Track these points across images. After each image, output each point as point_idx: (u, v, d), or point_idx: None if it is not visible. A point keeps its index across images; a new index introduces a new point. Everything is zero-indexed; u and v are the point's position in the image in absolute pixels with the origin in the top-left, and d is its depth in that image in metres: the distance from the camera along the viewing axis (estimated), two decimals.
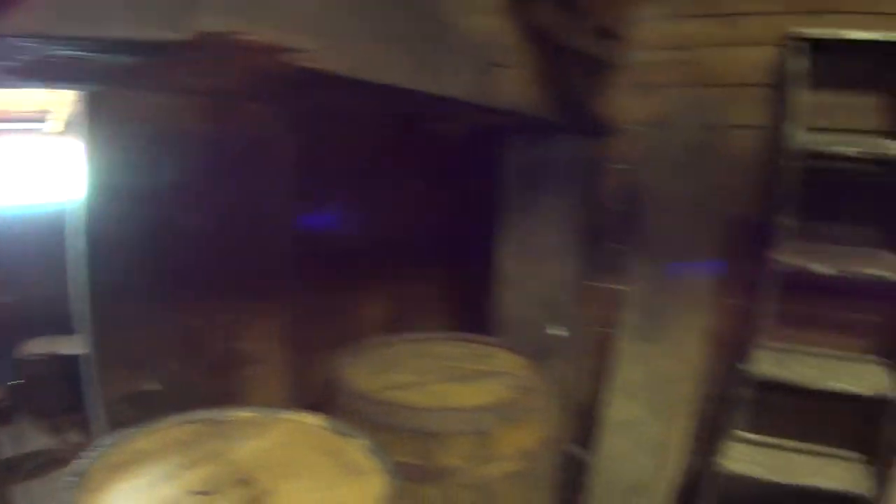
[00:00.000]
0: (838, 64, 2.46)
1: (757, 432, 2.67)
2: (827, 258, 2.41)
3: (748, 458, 2.58)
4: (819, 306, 2.54)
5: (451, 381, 2.22)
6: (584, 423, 2.87)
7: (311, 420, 1.75)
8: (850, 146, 2.31)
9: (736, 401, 2.49)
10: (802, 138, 2.39)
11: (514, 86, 1.98)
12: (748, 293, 2.47)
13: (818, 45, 2.41)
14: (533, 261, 2.55)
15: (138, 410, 1.97)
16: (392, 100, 1.79)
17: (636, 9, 2.64)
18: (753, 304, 2.44)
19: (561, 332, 2.54)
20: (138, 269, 2.10)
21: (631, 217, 2.58)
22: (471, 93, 1.76)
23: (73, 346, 2.60)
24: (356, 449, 1.62)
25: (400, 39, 1.47)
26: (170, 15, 0.97)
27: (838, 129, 2.49)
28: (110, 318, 2.06)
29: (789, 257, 2.39)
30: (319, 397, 2.20)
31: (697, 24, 2.60)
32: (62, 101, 2.97)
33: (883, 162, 2.36)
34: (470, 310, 2.87)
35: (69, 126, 2.81)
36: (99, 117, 1.95)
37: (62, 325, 2.55)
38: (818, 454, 2.62)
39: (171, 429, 1.63)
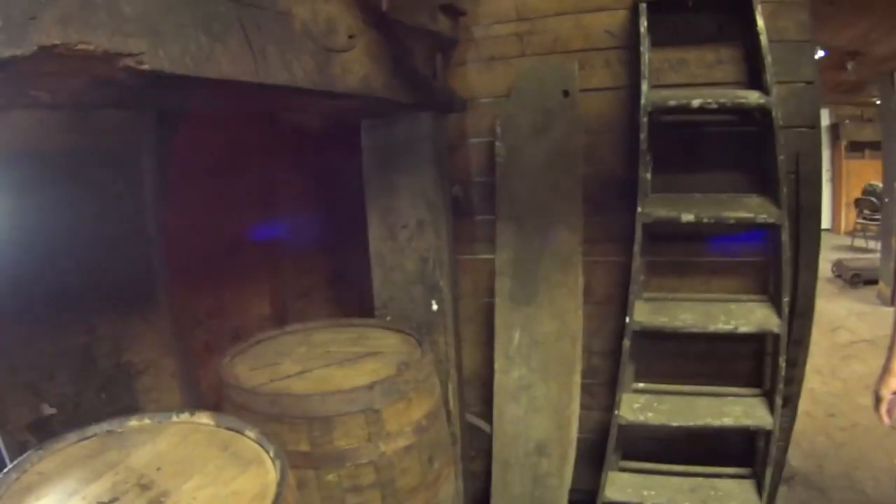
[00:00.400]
0: (686, 21, 2.54)
1: (653, 381, 2.76)
2: (690, 207, 2.50)
3: (647, 406, 2.66)
4: (694, 253, 2.63)
5: (335, 365, 2.25)
6: (477, 392, 2.93)
7: (203, 419, 1.77)
8: (695, 98, 2.40)
9: (624, 352, 2.55)
10: (654, 94, 2.46)
11: (355, 70, 2.00)
12: (619, 248, 2.54)
13: (665, 5, 2.50)
14: (402, 239, 2.59)
15: (41, 437, 1.97)
16: (234, 94, 1.80)
17: None
18: (626, 259, 2.51)
19: (434, 307, 2.59)
20: (13, 293, 2.08)
21: (494, 187, 2.63)
22: (310, 80, 1.79)
23: None
24: (246, 441, 1.65)
25: (235, 32, 1.48)
26: (8, 31, 0.98)
27: (693, 83, 2.59)
28: None
29: (652, 209, 2.47)
30: (214, 398, 2.21)
31: None
32: None
33: (736, 110, 2.46)
34: (352, 293, 2.90)
35: None
36: None
37: None
38: (716, 395, 2.71)
39: (71, 447, 1.66)
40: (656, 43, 2.57)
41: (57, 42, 1.04)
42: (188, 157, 2.48)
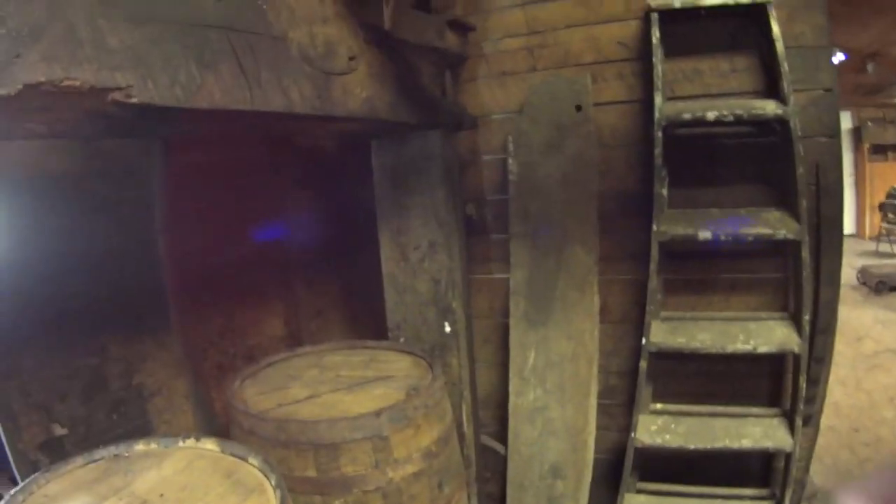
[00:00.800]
0: (700, 30, 2.48)
1: (670, 401, 2.69)
2: (708, 222, 2.43)
3: (664, 428, 2.59)
4: (713, 270, 2.56)
5: (344, 390, 2.22)
6: (492, 414, 2.88)
7: (209, 445, 1.78)
8: (710, 110, 2.34)
9: (640, 374, 2.49)
10: (668, 108, 2.40)
11: (357, 92, 1.97)
12: (635, 266, 2.48)
13: (678, 15, 2.44)
14: (414, 260, 2.55)
15: (52, 457, 1.99)
16: (230, 121, 1.78)
17: (488, 0, 2.63)
18: (642, 277, 2.45)
19: (448, 328, 2.55)
20: (25, 315, 2.09)
21: (507, 205, 2.58)
22: (309, 105, 1.76)
23: None
24: (250, 469, 1.65)
25: (227, 60, 1.46)
26: None
27: (707, 94, 2.53)
28: (8, 370, 2.05)
29: (669, 226, 2.41)
30: (226, 419, 2.20)
31: (553, 7, 2.60)
32: None
33: (752, 122, 2.39)
34: (366, 313, 2.86)
35: None
36: None
37: None
38: (735, 416, 2.64)
39: (78, 469, 1.68)
40: (669, 53, 2.51)
41: (42, 79, 1.04)
42: (197, 178, 2.48)
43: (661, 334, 2.50)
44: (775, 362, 2.61)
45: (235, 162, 2.62)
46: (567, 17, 2.61)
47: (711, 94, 2.51)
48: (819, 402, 2.67)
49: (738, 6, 2.40)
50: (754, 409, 2.65)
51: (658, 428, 2.60)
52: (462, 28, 2.64)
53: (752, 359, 2.53)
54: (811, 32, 2.52)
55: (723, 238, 2.37)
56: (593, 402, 2.69)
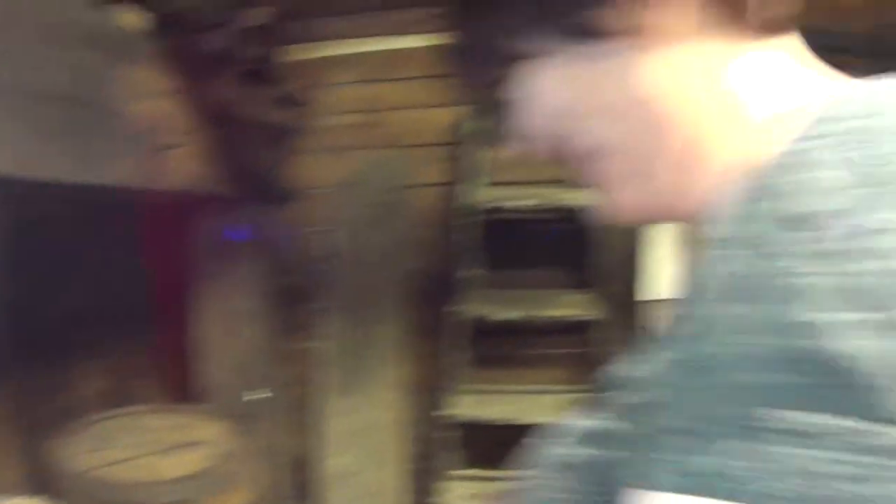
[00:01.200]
0: None
1: (483, 466, 2.81)
2: (512, 303, 2.58)
3: (467, 492, 2.71)
4: (519, 346, 2.71)
5: (159, 453, 2.23)
6: (301, 480, 2.92)
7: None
8: (525, 199, 2.49)
9: (445, 442, 2.61)
10: (481, 193, 2.55)
11: (185, 166, 2.01)
12: (445, 341, 2.60)
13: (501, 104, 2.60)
14: (228, 327, 2.59)
15: None
16: (63, 193, 1.79)
17: (324, 75, 2.72)
18: (451, 351, 2.57)
19: (261, 395, 2.59)
20: None
21: (325, 277, 2.66)
22: (135, 178, 1.79)
23: None
24: None
25: (60, 134, 1.48)
26: None
27: (522, 181, 2.68)
28: None
29: (474, 306, 2.55)
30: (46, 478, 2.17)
31: (385, 87, 2.72)
32: None
33: (559, 210, 2.56)
34: (181, 379, 2.87)
35: None
36: None
37: None
38: None
39: None
40: (490, 141, 2.67)
41: None
42: (30, 237, 2.42)
43: (466, 406, 2.63)
44: None
45: (69, 218, 2.59)
46: (399, 99, 2.73)
47: (526, 181, 2.67)
48: None
49: None
50: None
51: (462, 492, 2.72)
52: (297, 103, 2.71)
53: None
54: None
55: (525, 319, 2.52)
56: (405, 467, 2.78)
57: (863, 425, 0.30)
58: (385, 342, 2.65)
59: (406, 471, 2.76)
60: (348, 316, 2.64)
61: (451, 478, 2.71)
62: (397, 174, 2.67)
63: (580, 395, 2.72)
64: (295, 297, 2.79)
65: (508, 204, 2.49)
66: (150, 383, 2.92)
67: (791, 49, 0.47)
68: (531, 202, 2.51)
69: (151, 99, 1.87)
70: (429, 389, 2.71)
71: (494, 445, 2.72)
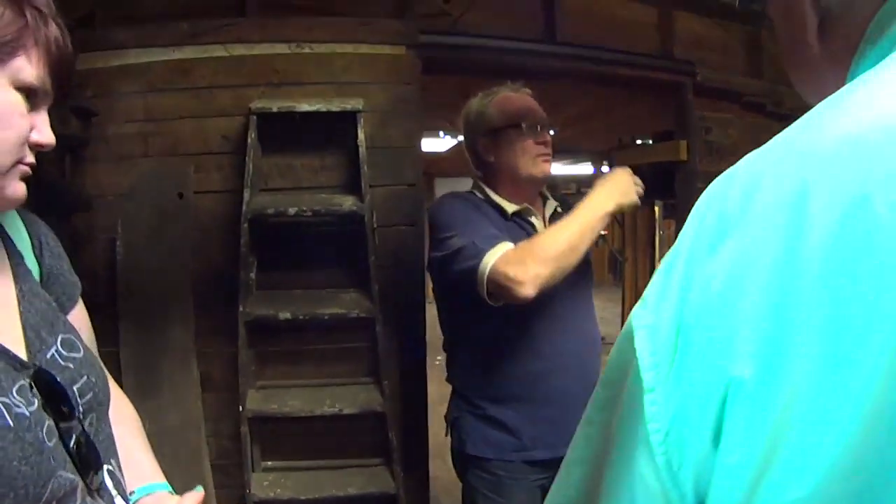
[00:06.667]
0: (296, 130, 2.77)
1: (282, 458, 2.96)
2: (291, 303, 2.73)
3: (275, 483, 2.85)
4: (305, 342, 2.86)
5: None
6: None
7: None
8: (293, 206, 2.63)
9: (244, 438, 2.74)
10: (258, 200, 2.67)
11: None
12: (231, 340, 2.72)
13: (276, 117, 2.71)
14: None
15: None
16: None
17: (109, 85, 2.77)
18: (236, 351, 2.70)
19: None
20: None
21: (114, 283, 2.73)
22: None
23: None
24: None
25: None
26: None
27: (299, 187, 2.83)
28: None
29: (254, 307, 2.68)
30: None
31: (168, 97, 2.79)
32: None
33: (332, 215, 2.71)
34: None
35: None
36: None
37: None
38: (341, 467, 2.95)
39: None
40: (267, 149, 2.79)
41: None
42: None
43: (257, 401, 2.77)
44: (373, 419, 2.95)
45: None
46: (180, 108, 2.79)
47: (302, 187, 2.81)
48: (423, 449, 3.05)
49: (327, 112, 2.71)
50: (359, 461, 2.98)
51: (270, 483, 2.86)
52: (86, 113, 2.75)
53: (349, 417, 2.84)
54: (400, 136, 2.92)
55: (301, 318, 2.67)
56: (207, 465, 2.90)
57: None
58: (176, 345, 2.75)
59: (216, 465, 2.88)
60: (137, 322, 2.72)
61: (258, 469, 2.85)
62: (175, 182, 2.75)
63: (365, 386, 2.90)
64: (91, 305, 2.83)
65: (273, 210, 2.62)
66: None
67: None
68: (295, 209, 2.63)
69: None
70: (226, 388, 2.82)
71: (295, 436, 2.90)
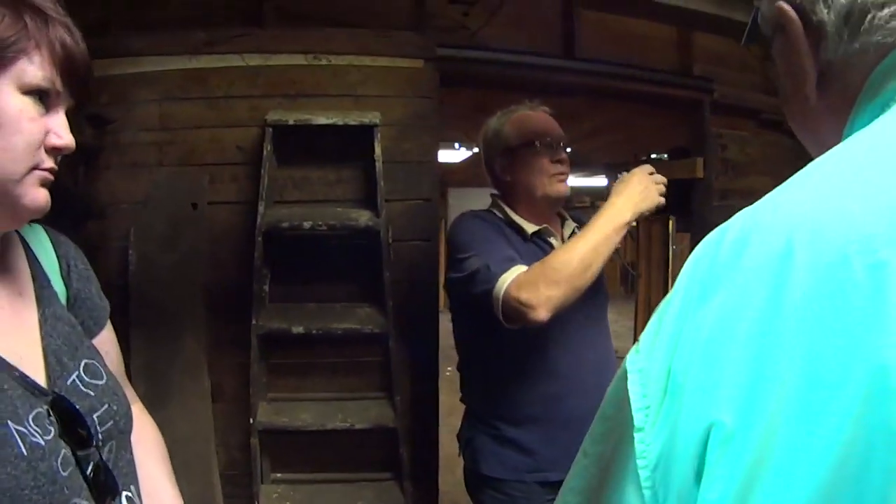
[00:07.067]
0: (312, 143, 2.75)
1: (291, 469, 2.94)
2: (304, 317, 2.71)
3: (284, 496, 2.84)
4: (316, 355, 2.84)
5: None
6: None
7: None
8: (308, 219, 2.61)
9: (253, 450, 2.72)
10: (272, 212, 2.65)
11: None
12: (243, 352, 2.70)
13: (292, 129, 2.69)
14: None
15: None
16: None
17: (128, 93, 2.75)
18: (249, 362, 2.68)
19: None
20: None
21: (126, 291, 2.71)
22: None
23: None
24: None
25: None
26: None
27: (315, 200, 2.80)
28: None
29: (267, 320, 2.66)
30: None
31: (184, 106, 2.77)
32: None
33: (348, 230, 2.68)
34: None
35: None
36: None
37: None
38: (350, 481, 2.93)
39: None
40: (283, 161, 2.77)
41: None
42: None
43: (268, 414, 2.75)
44: (383, 433, 2.93)
45: None
46: (196, 118, 2.77)
47: (317, 200, 2.79)
48: (433, 463, 3.03)
49: (346, 126, 2.69)
50: (369, 475, 2.96)
51: (279, 495, 2.85)
52: (101, 121, 2.74)
53: (361, 431, 2.82)
54: (417, 150, 2.89)
55: (314, 332, 2.65)
56: (216, 475, 2.88)
57: None
58: (187, 355, 2.73)
59: (224, 475, 2.86)
60: (149, 330, 2.70)
61: (267, 481, 2.83)
62: (190, 192, 2.73)
63: (376, 400, 2.88)
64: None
65: (287, 224, 2.60)
66: None
67: None
68: (310, 222, 2.61)
69: None
70: (236, 399, 2.80)
71: (306, 448, 2.88)
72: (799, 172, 0.51)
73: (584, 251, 1.74)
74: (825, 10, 0.59)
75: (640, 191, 1.82)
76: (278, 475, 2.94)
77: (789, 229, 0.44)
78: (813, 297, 0.40)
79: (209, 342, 2.78)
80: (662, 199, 1.84)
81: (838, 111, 0.60)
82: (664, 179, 1.85)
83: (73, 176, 2.72)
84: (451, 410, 3.05)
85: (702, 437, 0.43)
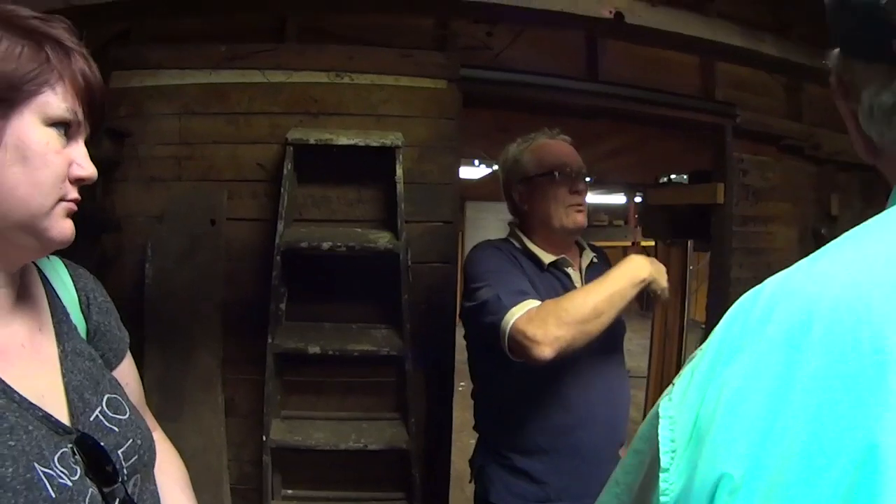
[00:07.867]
0: (333, 162, 2.73)
1: (303, 486, 2.93)
2: (321, 337, 2.69)
3: None
4: (331, 374, 2.82)
5: None
6: None
7: None
8: (327, 239, 2.59)
9: (265, 467, 2.71)
10: (291, 232, 2.64)
11: None
12: (258, 369, 2.68)
13: (313, 148, 2.66)
14: None
15: None
16: None
17: (147, 105, 2.74)
18: (264, 378, 2.66)
19: None
20: None
21: (142, 305, 2.70)
22: None
23: None
24: None
25: None
26: None
27: (334, 219, 2.79)
28: None
29: (283, 339, 2.65)
30: None
31: (204, 121, 2.75)
32: None
33: (367, 251, 2.66)
34: None
35: None
36: None
37: None
38: (361, 500, 2.92)
39: None
40: (303, 179, 2.76)
41: None
42: None
43: (280, 432, 2.74)
44: (395, 453, 2.91)
45: None
46: (215, 133, 2.76)
47: (337, 219, 2.77)
48: (442, 486, 3.01)
49: (363, 146, 2.67)
50: (379, 494, 2.95)
51: None
52: (120, 135, 2.73)
53: (372, 451, 2.80)
54: (438, 171, 2.87)
55: (330, 353, 2.64)
56: (227, 490, 2.87)
57: None
58: (201, 370, 2.72)
59: (235, 489, 2.85)
60: (163, 344, 2.69)
61: (277, 497, 2.82)
62: (208, 208, 2.71)
63: (391, 421, 2.86)
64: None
65: (306, 244, 2.58)
66: None
67: None
68: (329, 243, 2.59)
69: None
70: (250, 415, 2.79)
71: (317, 465, 2.86)
72: (834, 241, 0.55)
73: (598, 299, 1.74)
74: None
75: (657, 265, 1.90)
76: (289, 492, 2.92)
77: (811, 303, 0.48)
78: (823, 374, 0.45)
79: (224, 358, 2.77)
80: (667, 293, 1.94)
81: (889, 173, 0.65)
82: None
83: (89, 188, 2.70)
84: (463, 426, 3.05)
85: (713, 485, 0.48)
